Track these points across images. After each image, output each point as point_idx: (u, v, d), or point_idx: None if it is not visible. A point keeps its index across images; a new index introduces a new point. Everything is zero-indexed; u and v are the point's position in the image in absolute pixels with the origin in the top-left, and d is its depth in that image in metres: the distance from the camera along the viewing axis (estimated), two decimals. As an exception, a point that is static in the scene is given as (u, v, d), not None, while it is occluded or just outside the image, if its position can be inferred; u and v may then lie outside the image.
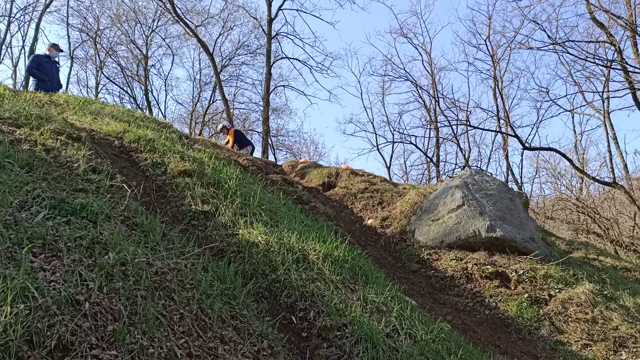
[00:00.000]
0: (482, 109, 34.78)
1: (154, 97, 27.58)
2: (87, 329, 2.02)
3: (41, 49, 21.14)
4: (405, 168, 29.15)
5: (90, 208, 2.97)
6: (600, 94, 18.24)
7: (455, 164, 25.75)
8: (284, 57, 23.40)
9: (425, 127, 26.10)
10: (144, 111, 19.82)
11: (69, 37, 24.30)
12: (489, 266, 6.14)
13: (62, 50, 9.84)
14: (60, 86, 9.61)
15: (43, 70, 8.93)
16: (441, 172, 24.39)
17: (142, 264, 2.61)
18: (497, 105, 22.18)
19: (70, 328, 1.97)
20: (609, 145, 20.03)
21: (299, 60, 22.86)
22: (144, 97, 25.74)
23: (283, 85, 25.19)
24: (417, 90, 25.45)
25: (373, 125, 27.82)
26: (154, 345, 2.13)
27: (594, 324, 5.22)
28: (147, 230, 3.21)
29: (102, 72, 25.38)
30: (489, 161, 26.83)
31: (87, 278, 2.29)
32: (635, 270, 7.93)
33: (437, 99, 23.92)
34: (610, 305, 5.48)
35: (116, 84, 26.12)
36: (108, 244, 2.67)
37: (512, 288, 5.88)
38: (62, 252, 2.43)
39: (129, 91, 26.14)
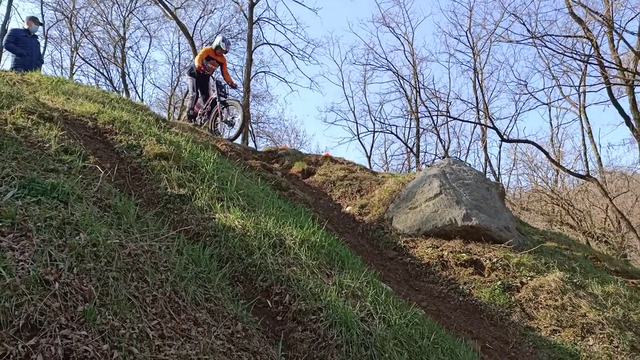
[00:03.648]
0: (462, 100, 35.15)
1: (131, 80, 27.05)
2: (56, 309, 1.98)
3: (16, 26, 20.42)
4: (386, 158, 29.38)
5: (61, 188, 2.91)
6: (577, 88, 18.58)
7: (435, 155, 26.04)
8: (266, 43, 23.25)
9: (406, 117, 26.29)
10: (121, 94, 19.40)
11: (43, 15, 23.49)
12: (464, 254, 6.23)
13: (41, 24, 9.52)
14: (42, 61, 9.32)
15: (21, 45, 8.63)
16: (421, 162, 24.60)
17: (115, 246, 2.57)
18: (476, 97, 22.40)
19: (39, 308, 1.93)
20: (583, 139, 20.48)
21: (281, 47, 22.73)
22: (121, 79, 25.30)
23: (264, 72, 25.02)
24: (399, 80, 25.62)
25: (354, 114, 27.89)
26: (125, 326, 2.10)
27: (563, 310, 5.34)
28: (120, 212, 3.16)
29: (77, 53, 24.78)
30: (468, 152, 27.19)
31: (57, 258, 2.25)
32: (605, 260, 8.14)
33: (418, 89, 24.02)
34: (579, 293, 5.62)
35: (92, 66, 25.57)
36: (79, 224, 2.62)
37: (486, 275, 5.98)
38: (32, 232, 2.37)
39: (105, 73, 25.63)
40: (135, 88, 27.15)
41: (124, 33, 25.15)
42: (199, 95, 9.61)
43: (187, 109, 9.54)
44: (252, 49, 21.11)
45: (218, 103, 8.99)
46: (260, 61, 25.44)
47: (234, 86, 9.95)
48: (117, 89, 24.94)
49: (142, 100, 25.72)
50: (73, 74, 24.73)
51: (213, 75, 9.68)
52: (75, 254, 2.33)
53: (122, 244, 2.67)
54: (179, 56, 27.40)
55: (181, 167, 4.62)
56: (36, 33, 9.10)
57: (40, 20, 9.43)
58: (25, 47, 8.62)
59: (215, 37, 10.11)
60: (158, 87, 38.83)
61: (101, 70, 25.55)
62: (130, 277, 2.44)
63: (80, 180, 3.32)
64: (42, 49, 9.57)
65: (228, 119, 8.89)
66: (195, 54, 20.32)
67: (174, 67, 27.84)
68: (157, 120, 6.31)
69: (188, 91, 10.03)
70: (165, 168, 4.49)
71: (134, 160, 4.54)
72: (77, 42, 24.56)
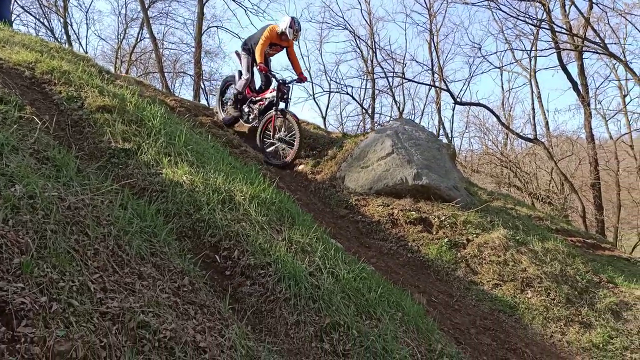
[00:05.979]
0: (417, 62, 35.47)
1: (74, 31, 25.49)
2: (-10, 262, 1.90)
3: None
4: (341, 119, 29.35)
5: (-6, 139, 2.74)
6: (529, 52, 19.00)
7: (390, 116, 26.18)
8: (219, -4, 22.29)
9: (362, 78, 26.16)
10: (63, 45, 18.26)
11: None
12: (413, 212, 6.37)
13: None
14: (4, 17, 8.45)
15: None
16: (376, 124, 24.72)
17: (53, 198, 2.46)
18: (431, 59, 22.55)
19: (-29, 260, 1.84)
20: (533, 103, 21.13)
21: (234, 0, 21.81)
22: (63, 30, 23.81)
23: (216, 26, 23.97)
24: (355, 40, 25.24)
25: (310, 74, 27.42)
26: (64, 279, 2.04)
27: (505, 265, 5.60)
28: (59, 165, 3.02)
29: (15, 1, 23.06)
30: (422, 114, 27.49)
31: (-10, 210, 2.13)
32: (547, 219, 8.56)
33: (374, 50, 23.90)
34: (521, 249, 5.89)
35: (32, 15, 23.82)
36: (14, 176, 2.48)
37: (434, 233, 6.16)
38: (-39, 183, 2.24)
39: (46, 23, 24.03)
40: (78, 39, 25.63)
41: (66, -20, 23.55)
42: (253, 77, 7.98)
43: (234, 92, 7.94)
44: (204, 2, 20.16)
45: (274, 110, 7.48)
46: (212, 15, 24.60)
47: (303, 79, 7.84)
48: (59, 40, 23.45)
49: (87, 52, 24.37)
50: (12, 23, 23.08)
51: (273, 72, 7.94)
52: (10, 205, 2.22)
53: (61, 196, 2.56)
54: (125, 7, 25.86)
55: (126, 120, 4.44)
56: None
57: None
58: None
59: (282, 18, 7.71)
60: (103, 39, 36.86)
61: (42, 19, 23.92)
62: (70, 230, 2.36)
63: (16, 131, 3.13)
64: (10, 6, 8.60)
65: (286, 138, 7.41)
66: (142, 4, 19.17)
67: (120, 19, 26.39)
68: (100, 72, 5.99)
69: (240, 67, 7.92)
70: (109, 121, 4.30)
71: (74, 113, 4.32)
72: (15, -12, 22.83)
